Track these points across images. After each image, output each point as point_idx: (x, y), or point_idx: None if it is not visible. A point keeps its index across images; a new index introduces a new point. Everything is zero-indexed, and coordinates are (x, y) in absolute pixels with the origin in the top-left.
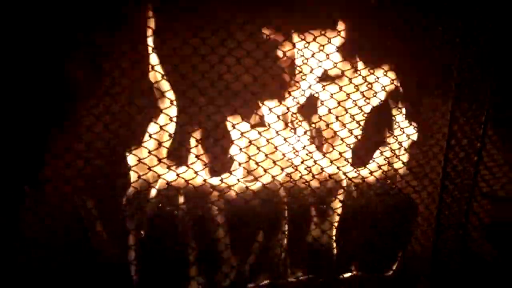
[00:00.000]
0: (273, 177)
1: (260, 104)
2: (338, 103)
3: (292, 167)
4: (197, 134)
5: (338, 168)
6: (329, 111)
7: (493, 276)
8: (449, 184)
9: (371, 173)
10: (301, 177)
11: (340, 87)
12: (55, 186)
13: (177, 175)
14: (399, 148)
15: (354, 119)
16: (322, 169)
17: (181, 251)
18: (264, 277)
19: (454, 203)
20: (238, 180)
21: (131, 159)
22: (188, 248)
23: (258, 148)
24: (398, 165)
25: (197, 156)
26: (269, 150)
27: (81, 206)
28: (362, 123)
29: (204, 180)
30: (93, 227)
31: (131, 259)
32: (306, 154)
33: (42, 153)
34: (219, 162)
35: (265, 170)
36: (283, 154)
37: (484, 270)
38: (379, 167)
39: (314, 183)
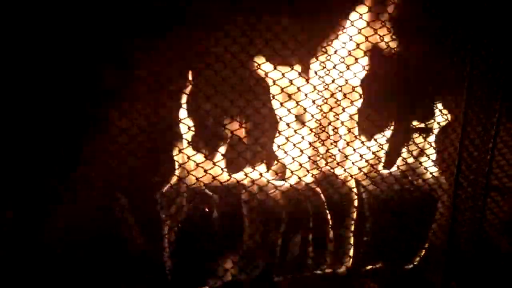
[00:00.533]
0: (300, 177)
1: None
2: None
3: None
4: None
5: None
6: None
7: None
8: (463, 180)
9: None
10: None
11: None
12: (91, 184)
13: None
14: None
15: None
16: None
17: (212, 244)
18: (290, 270)
19: (468, 199)
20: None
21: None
22: (219, 241)
23: (294, 145)
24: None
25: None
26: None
27: (116, 204)
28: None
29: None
30: (127, 224)
31: (165, 254)
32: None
33: (78, 153)
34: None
35: (294, 170)
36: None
37: (498, 263)
38: (398, 167)
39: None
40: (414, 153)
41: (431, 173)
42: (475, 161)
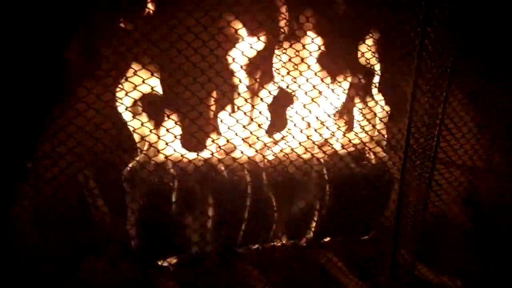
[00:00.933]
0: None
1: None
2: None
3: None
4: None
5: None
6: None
7: (454, 239)
8: (412, 154)
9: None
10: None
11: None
12: (55, 162)
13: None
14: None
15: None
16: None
17: (176, 217)
18: (253, 242)
19: (416, 171)
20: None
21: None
22: (182, 214)
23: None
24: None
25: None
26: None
27: (83, 181)
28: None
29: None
30: (94, 201)
31: (129, 227)
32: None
33: (42, 130)
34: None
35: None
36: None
37: (445, 231)
38: (350, 140)
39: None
40: (367, 128)
41: (382, 148)
42: (423, 136)
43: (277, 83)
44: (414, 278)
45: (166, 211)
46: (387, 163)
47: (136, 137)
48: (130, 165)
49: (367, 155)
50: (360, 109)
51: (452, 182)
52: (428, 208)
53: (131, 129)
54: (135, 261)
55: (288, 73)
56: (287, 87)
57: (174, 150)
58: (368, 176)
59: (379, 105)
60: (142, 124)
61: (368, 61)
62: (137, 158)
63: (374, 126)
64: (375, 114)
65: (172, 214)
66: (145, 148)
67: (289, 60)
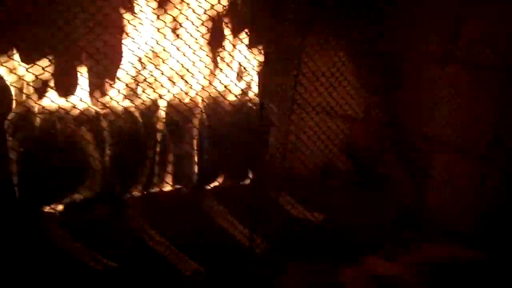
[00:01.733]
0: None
1: None
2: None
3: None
4: None
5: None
6: None
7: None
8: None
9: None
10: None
11: None
12: None
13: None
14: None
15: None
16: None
17: (59, 165)
18: (137, 188)
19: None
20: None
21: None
22: (66, 162)
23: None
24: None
25: None
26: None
27: None
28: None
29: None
30: None
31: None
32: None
33: None
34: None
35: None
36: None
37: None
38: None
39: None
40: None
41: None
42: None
43: None
44: (289, 219)
45: (47, 158)
46: (265, 110)
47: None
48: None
49: (247, 103)
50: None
51: (329, 130)
52: (288, 150)
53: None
54: (21, 210)
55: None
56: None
57: (52, 101)
58: (247, 122)
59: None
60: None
61: None
62: (17, 110)
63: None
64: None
65: (53, 161)
66: (23, 98)
67: None
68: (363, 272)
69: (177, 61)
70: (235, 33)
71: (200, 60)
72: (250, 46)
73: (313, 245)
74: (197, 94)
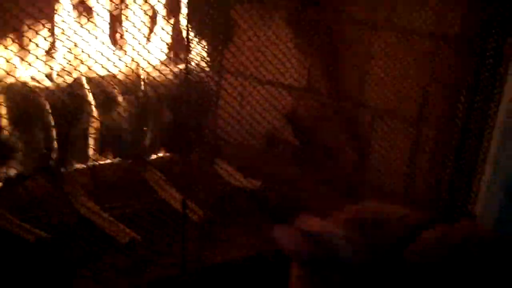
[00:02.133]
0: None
1: None
2: None
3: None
4: None
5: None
6: None
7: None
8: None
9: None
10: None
11: None
12: None
13: None
14: None
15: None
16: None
17: None
18: (76, 161)
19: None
20: None
21: None
22: None
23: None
24: None
25: None
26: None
27: None
28: None
29: None
30: None
31: None
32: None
33: None
34: None
35: None
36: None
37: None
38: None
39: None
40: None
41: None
42: None
43: None
44: (227, 186)
45: None
46: (206, 83)
47: None
48: None
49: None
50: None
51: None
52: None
53: None
54: None
55: None
56: None
57: None
58: (186, 94)
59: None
60: None
61: None
62: None
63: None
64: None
65: None
66: None
67: None
68: (295, 228)
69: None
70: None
71: (132, 31)
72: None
73: (250, 210)
74: (131, 66)
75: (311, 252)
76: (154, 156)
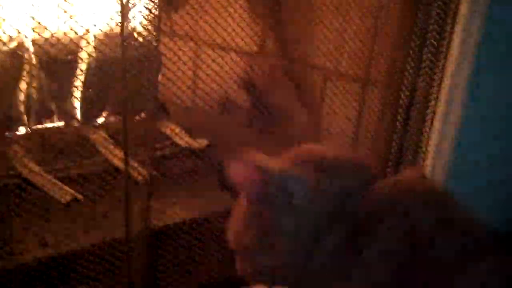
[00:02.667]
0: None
1: None
2: None
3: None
4: None
5: None
6: None
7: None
8: None
9: None
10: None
11: None
12: None
13: None
14: None
15: None
16: None
17: None
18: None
19: None
20: None
21: None
22: None
23: None
24: None
25: None
26: None
27: None
28: None
29: None
30: None
31: None
32: None
33: None
34: None
35: None
36: None
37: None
38: None
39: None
40: None
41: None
42: None
43: None
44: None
45: None
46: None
47: None
48: None
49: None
50: None
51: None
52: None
53: None
54: None
55: None
56: None
57: None
58: (130, 57)
59: None
60: None
61: None
62: None
63: None
64: None
65: None
66: None
67: None
68: (248, 162)
69: None
70: None
71: None
72: None
73: (196, 170)
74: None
75: (261, 188)
76: (102, 120)
